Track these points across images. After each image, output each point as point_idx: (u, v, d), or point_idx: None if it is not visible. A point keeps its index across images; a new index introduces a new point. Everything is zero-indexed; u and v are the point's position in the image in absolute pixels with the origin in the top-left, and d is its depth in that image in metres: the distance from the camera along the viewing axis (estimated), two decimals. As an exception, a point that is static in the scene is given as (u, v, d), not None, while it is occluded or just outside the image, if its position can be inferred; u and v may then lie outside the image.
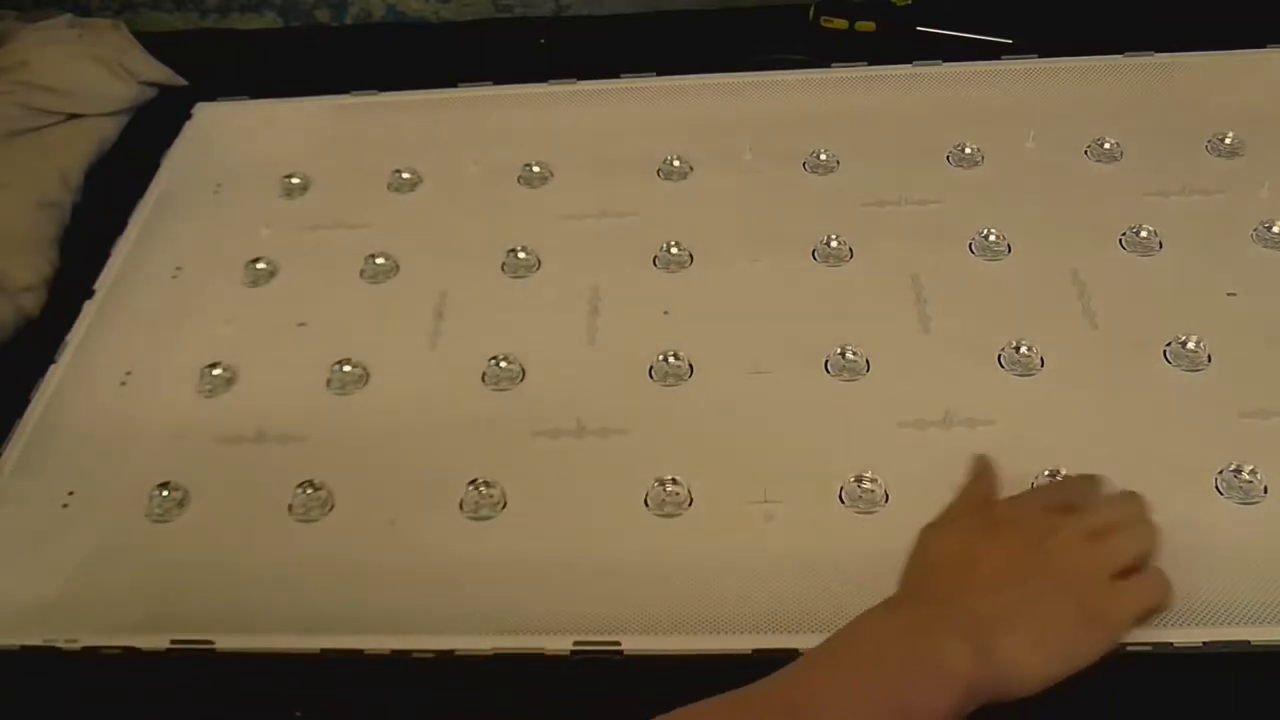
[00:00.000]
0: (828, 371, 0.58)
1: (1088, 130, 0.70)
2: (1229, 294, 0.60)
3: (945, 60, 0.75)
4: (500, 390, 0.59)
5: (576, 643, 0.48)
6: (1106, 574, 0.45)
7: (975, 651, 0.40)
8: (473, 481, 0.54)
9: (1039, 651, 0.42)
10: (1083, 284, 0.61)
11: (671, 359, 0.59)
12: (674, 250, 0.65)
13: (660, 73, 0.76)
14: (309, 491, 0.55)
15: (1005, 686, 0.41)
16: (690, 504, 0.53)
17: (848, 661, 0.41)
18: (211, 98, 0.79)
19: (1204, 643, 0.46)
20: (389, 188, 0.73)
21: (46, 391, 0.60)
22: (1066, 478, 0.51)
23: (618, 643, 0.48)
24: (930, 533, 0.48)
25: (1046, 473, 0.52)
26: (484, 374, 0.60)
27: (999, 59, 0.75)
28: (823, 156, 0.70)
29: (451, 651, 0.48)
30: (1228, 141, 0.68)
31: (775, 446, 0.55)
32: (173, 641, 0.49)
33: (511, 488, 0.54)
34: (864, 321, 0.60)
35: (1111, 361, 0.57)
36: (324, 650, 0.48)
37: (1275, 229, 0.63)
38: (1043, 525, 0.46)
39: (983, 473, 0.51)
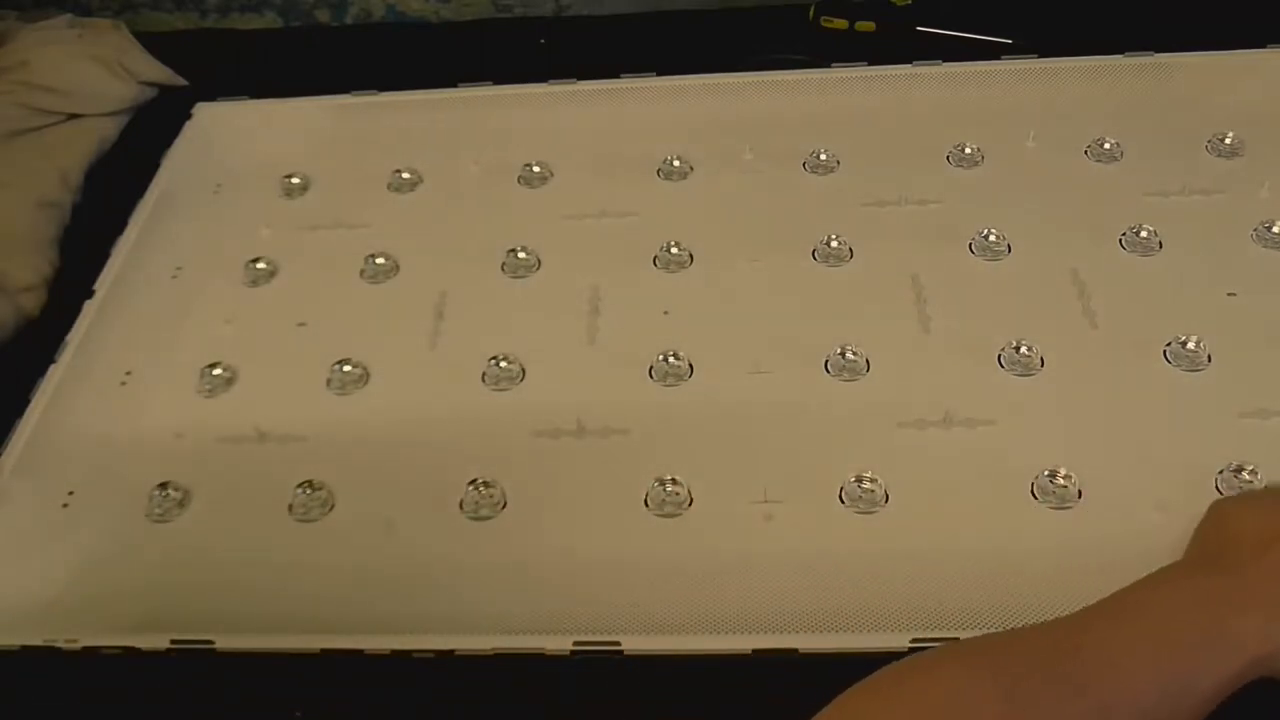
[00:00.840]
0: (828, 371, 0.58)
1: (1088, 130, 0.70)
2: (1229, 294, 0.60)
3: (945, 60, 0.75)
4: (500, 390, 0.59)
5: (576, 643, 0.48)
6: None
7: (1266, 626, 0.41)
8: (473, 481, 0.54)
9: None
10: (1083, 284, 0.61)
11: (671, 359, 0.59)
12: (674, 250, 0.65)
13: (660, 73, 0.76)
14: (309, 491, 0.55)
15: None
16: (690, 504, 0.53)
17: (1140, 618, 0.41)
18: (211, 98, 0.79)
19: (1204, 643, 0.46)
20: (389, 188, 0.73)
21: (46, 391, 0.60)
22: None
23: (618, 643, 0.48)
24: (1228, 505, 0.48)
25: (1046, 472, 0.52)
26: (484, 374, 0.60)
27: (999, 59, 0.75)
28: (823, 156, 0.70)
29: (451, 651, 0.48)
30: (1228, 141, 0.68)
31: (775, 446, 0.55)
32: (173, 641, 0.49)
33: (511, 488, 0.54)
34: (864, 321, 0.60)
35: (1111, 361, 0.57)
36: (324, 650, 0.48)
37: (1275, 229, 0.63)
38: None
39: None
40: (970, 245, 0.64)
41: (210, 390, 0.61)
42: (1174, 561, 0.45)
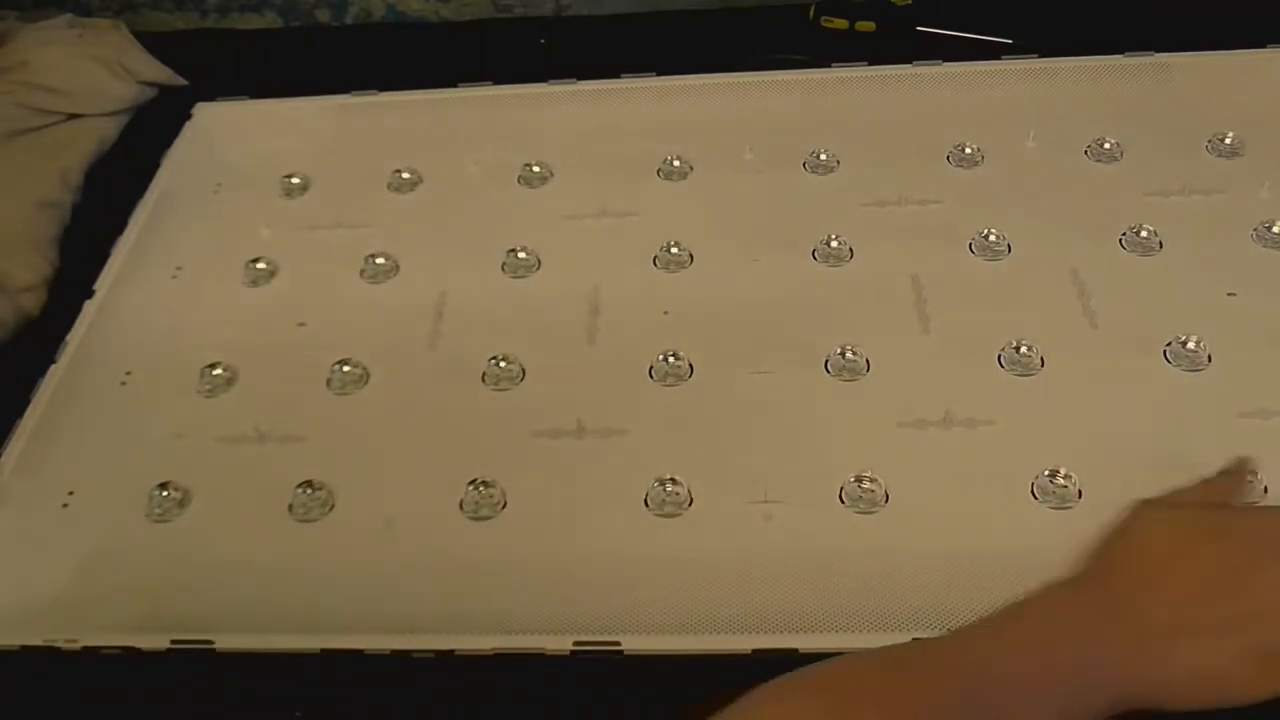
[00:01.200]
0: (828, 371, 0.58)
1: (1088, 130, 0.70)
2: (1229, 294, 0.60)
3: (945, 60, 0.75)
4: (500, 390, 0.59)
5: (576, 643, 0.48)
6: None
7: (1142, 662, 0.40)
8: (473, 481, 0.54)
9: (1202, 678, 0.40)
10: (1083, 284, 0.61)
11: (671, 359, 0.59)
12: (674, 250, 0.65)
13: (660, 73, 0.76)
14: (309, 491, 0.55)
15: (1157, 699, 0.40)
16: (690, 504, 0.53)
17: (1023, 642, 0.41)
18: (211, 98, 0.79)
19: (1204, 643, 0.46)
20: (389, 188, 0.73)
21: (46, 391, 0.60)
22: None
23: (618, 643, 0.48)
24: (1148, 511, 0.45)
25: (1046, 473, 0.52)
26: (484, 374, 0.60)
27: (999, 59, 0.75)
28: (823, 156, 0.70)
29: (451, 651, 0.48)
30: (1228, 141, 0.68)
31: (775, 446, 0.55)
32: (173, 641, 0.49)
33: (511, 488, 0.54)
34: (864, 321, 0.60)
35: (1111, 361, 0.57)
36: (324, 650, 0.48)
37: (1275, 229, 0.63)
38: (1272, 550, 0.43)
39: (1238, 472, 0.48)
40: (970, 245, 0.64)
41: (210, 390, 0.61)
42: (1069, 579, 0.43)
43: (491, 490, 0.54)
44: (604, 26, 0.86)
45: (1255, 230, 0.63)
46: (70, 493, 0.57)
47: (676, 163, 0.71)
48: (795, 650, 0.47)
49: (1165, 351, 0.57)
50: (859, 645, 0.46)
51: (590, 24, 0.86)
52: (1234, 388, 0.55)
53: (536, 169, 0.72)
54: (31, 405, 0.60)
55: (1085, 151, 0.69)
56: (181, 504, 0.55)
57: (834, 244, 0.64)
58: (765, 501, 0.53)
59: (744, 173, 0.71)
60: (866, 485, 0.53)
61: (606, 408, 0.57)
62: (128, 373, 0.62)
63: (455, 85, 0.78)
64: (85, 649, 0.49)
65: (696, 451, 0.55)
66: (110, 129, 0.78)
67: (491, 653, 0.48)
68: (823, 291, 0.62)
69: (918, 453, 0.54)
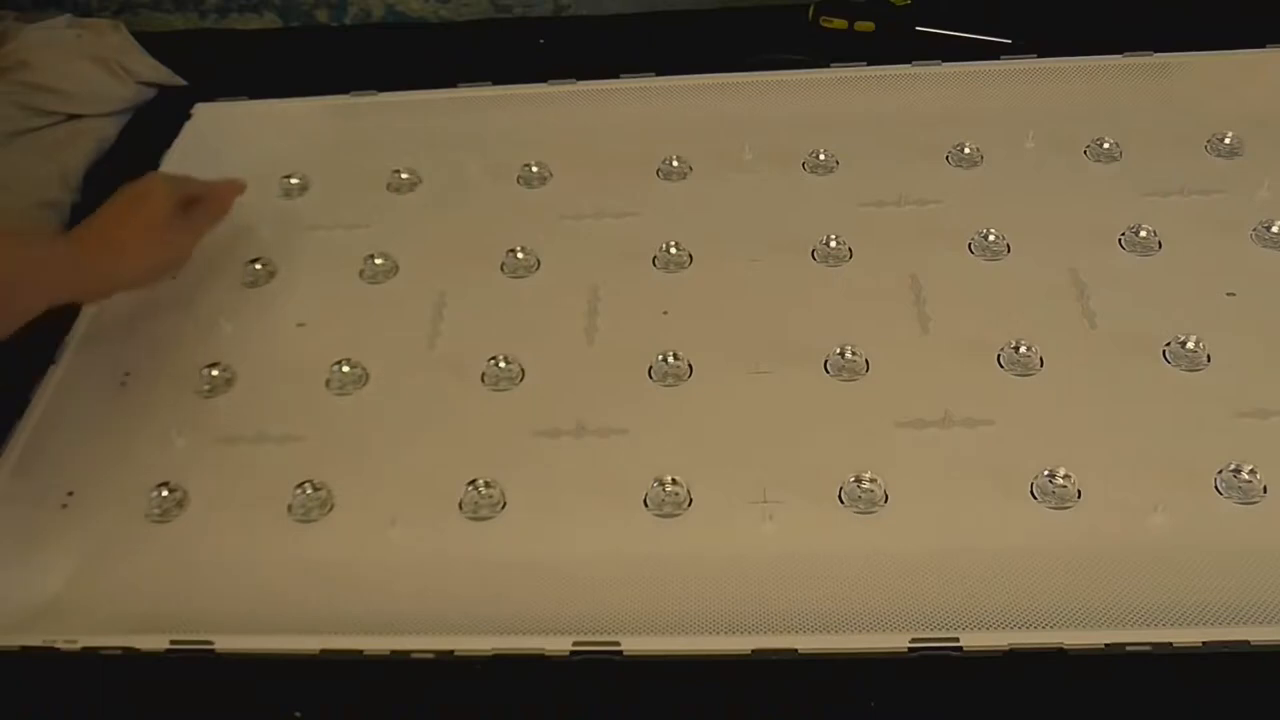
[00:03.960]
0: (828, 371, 0.58)
1: (1088, 130, 0.70)
2: (1228, 294, 0.60)
3: (945, 60, 0.75)
4: (500, 390, 0.59)
5: (576, 643, 0.48)
6: None
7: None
8: (473, 481, 0.54)
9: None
10: (1082, 284, 0.61)
11: (671, 359, 0.59)
12: (674, 250, 0.65)
13: (660, 73, 0.76)
14: (309, 491, 0.55)
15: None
16: (690, 504, 0.53)
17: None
18: (211, 98, 0.79)
19: (1204, 643, 0.46)
20: (389, 188, 0.73)
21: (46, 391, 0.60)
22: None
23: (618, 643, 0.48)
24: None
25: (1046, 472, 0.52)
26: (484, 374, 0.60)
27: (999, 59, 0.75)
28: (823, 156, 0.70)
29: (451, 651, 0.48)
30: (1227, 141, 0.68)
31: (775, 446, 0.55)
32: (172, 641, 0.49)
33: (511, 488, 0.54)
34: (864, 321, 0.60)
35: (1111, 361, 0.57)
36: (324, 650, 0.48)
37: (1275, 229, 0.63)
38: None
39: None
40: (970, 245, 0.64)
41: (210, 390, 0.61)
42: None
43: (491, 490, 0.54)
44: (603, 26, 0.86)
45: (1255, 230, 0.63)
46: (70, 493, 0.56)
47: (676, 163, 0.71)
48: (795, 650, 0.47)
49: (1164, 352, 0.57)
50: (859, 645, 0.47)
51: (590, 24, 0.86)
52: (1233, 388, 0.55)
53: (536, 169, 0.72)
54: (31, 405, 0.60)
55: (1085, 151, 0.69)
56: (181, 504, 0.55)
57: (833, 244, 0.64)
58: (765, 501, 0.53)
59: (743, 173, 0.71)
60: (866, 485, 0.53)
61: (606, 408, 0.57)
62: (127, 373, 0.62)
63: (455, 85, 0.78)
64: (85, 649, 0.49)
65: (696, 451, 0.55)
66: (110, 129, 0.78)
67: (491, 653, 0.48)
68: (822, 292, 0.62)
69: (917, 453, 0.54)
